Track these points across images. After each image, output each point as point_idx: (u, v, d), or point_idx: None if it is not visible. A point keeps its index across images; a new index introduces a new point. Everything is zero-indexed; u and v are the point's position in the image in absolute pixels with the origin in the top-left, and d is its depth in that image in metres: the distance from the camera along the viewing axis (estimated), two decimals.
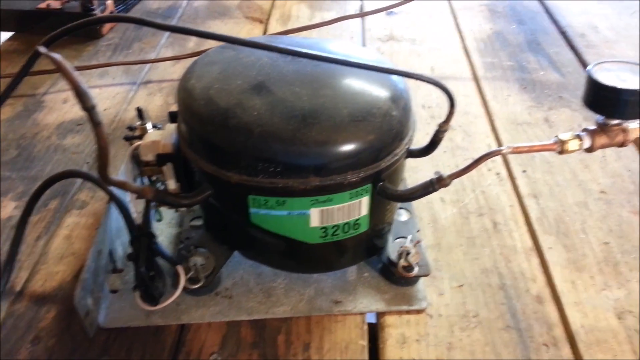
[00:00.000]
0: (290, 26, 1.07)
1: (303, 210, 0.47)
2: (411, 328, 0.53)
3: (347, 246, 0.53)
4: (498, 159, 0.75)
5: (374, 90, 0.49)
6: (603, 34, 1.05)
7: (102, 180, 0.41)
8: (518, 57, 0.99)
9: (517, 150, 0.48)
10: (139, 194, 0.45)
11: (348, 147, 0.45)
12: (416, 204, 0.67)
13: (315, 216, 0.48)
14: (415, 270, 0.55)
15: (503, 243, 0.62)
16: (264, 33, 1.07)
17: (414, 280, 0.56)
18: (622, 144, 0.49)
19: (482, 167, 0.73)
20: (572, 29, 1.07)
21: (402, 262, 0.55)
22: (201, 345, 0.51)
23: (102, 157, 0.39)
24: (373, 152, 0.47)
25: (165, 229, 0.61)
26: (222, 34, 0.44)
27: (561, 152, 0.49)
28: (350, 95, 0.48)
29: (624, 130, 0.48)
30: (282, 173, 0.45)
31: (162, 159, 0.51)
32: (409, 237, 0.59)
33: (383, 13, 1.12)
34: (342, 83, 0.49)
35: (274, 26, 1.09)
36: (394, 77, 0.52)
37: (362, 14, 1.10)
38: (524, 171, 0.73)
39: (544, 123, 0.81)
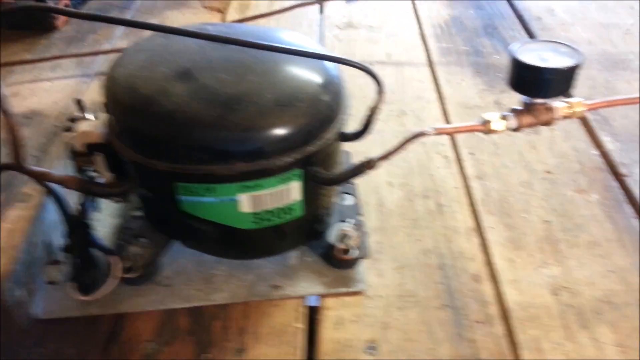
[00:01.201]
0: (249, 15, 1.06)
1: (232, 197, 0.47)
2: (348, 309, 0.54)
3: (284, 231, 0.53)
4: (447, 142, 0.75)
5: (303, 76, 0.49)
6: (559, 17, 1.06)
7: (19, 170, 0.40)
8: (474, 41, 0.99)
9: (441, 131, 0.48)
10: (62, 184, 0.45)
11: (273, 132, 0.45)
12: (363, 188, 0.67)
13: (245, 202, 0.48)
14: (354, 253, 0.55)
15: (446, 224, 0.63)
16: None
17: (353, 263, 0.57)
18: (548, 123, 0.49)
19: (431, 150, 0.74)
20: (529, 12, 1.07)
21: (341, 246, 0.55)
22: (137, 334, 0.51)
23: (17, 147, 0.39)
24: (300, 136, 0.47)
25: (107, 219, 0.61)
26: (144, 21, 0.44)
27: (487, 132, 0.50)
28: (278, 81, 0.48)
29: (549, 109, 0.49)
30: (207, 159, 0.45)
31: (92, 148, 0.50)
32: (351, 220, 0.59)
33: (342, 1, 1.12)
34: (270, 69, 0.49)
35: (232, 15, 1.08)
36: (327, 63, 0.52)
37: (320, 1, 1.09)
38: (472, 154, 0.73)
39: (495, 106, 0.82)
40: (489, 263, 0.58)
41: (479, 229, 0.62)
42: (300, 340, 0.51)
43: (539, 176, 0.69)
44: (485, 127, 0.49)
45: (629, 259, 0.58)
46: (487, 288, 0.56)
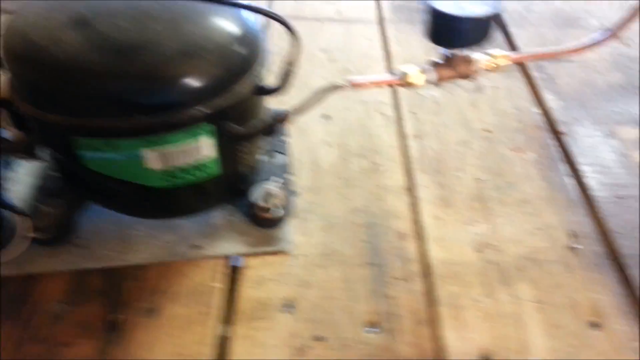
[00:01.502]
0: None
1: (136, 152, 0.46)
2: (270, 269, 0.53)
3: (202, 190, 0.51)
4: (389, 101, 0.73)
5: (214, 25, 0.47)
6: None
7: None
8: None
9: (357, 84, 0.46)
10: None
11: (176, 83, 0.43)
12: (299, 147, 0.66)
13: (150, 158, 0.46)
14: (277, 212, 0.54)
15: (379, 183, 0.62)
16: None
17: (278, 223, 0.55)
18: (467, 76, 0.48)
19: (372, 109, 0.72)
20: None
21: (263, 205, 0.54)
22: (47, 295, 0.49)
23: None
24: (208, 89, 0.45)
25: (25, 179, 0.59)
26: None
27: (406, 85, 0.48)
28: (186, 30, 0.46)
29: (468, 61, 0.47)
30: (104, 112, 0.43)
31: None
32: (278, 179, 0.58)
33: None
34: (178, 18, 0.46)
35: None
36: (245, 14, 0.49)
37: None
38: (413, 112, 0.72)
39: None
40: (416, 221, 0.57)
41: (411, 188, 0.61)
42: (216, 299, 0.50)
43: (478, 135, 0.68)
44: (403, 81, 0.48)
45: (558, 216, 0.57)
46: (411, 246, 0.55)
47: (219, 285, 0.51)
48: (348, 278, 0.52)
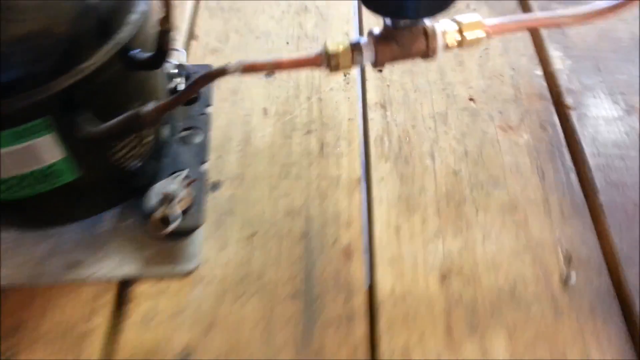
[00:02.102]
0: None
1: None
2: (168, 299, 0.40)
3: (67, 197, 0.38)
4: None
5: None
6: None
7: None
8: None
9: (249, 68, 0.31)
10: None
11: None
12: (230, 116, 0.51)
13: None
14: (175, 224, 0.40)
15: (325, 173, 0.48)
16: None
17: (184, 234, 0.42)
18: (425, 54, 0.32)
19: None
20: None
21: (160, 215, 0.40)
22: None
23: None
24: (35, 66, 0.30)
25: None
26: None
27: (330, 68, 0.33)
28: None
29: (423, 34, 0.32)
30: None
31: None
32: (186, 172, 0.43)
33: None
34: None
35: None
36: None
37: None
38: (380, 71, 0.56)
39: None
40: (368, 232, 0.44)
41: (365, 181, 0.47)
42: (91, 344, 0.38)
43: (459, 105, 0.53)
44: (325, 63, 0.32)
45: (551, 230, 0.44)
46: (357, 269, 0.42)
47: (99, 320, 0.39)
48: (269, 317, 0.39)
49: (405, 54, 0.32)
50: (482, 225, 0.44)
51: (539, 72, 0.56)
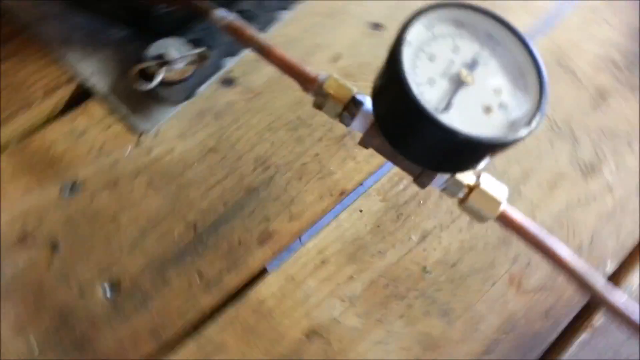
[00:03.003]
0: None
1: None
2: (100, 132, 0.40)
3: None
4: None
5: None
6: None
7: None
8: None
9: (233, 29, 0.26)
10: None
11: None
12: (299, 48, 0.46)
13: None
14: (147, 86, 0.39)
15: None
16: None
17: (157, 97, 0.41)
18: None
19: None
20: None
21: (142, 66, 0.39)
22: None
23: None
24: None
25: None
26: None
27: (315, 101, 0.27)
28: None
29: None
30: None
31: None
32: (198, 50, 0.41)
33: None
34: None
35: None
36: None
37: None
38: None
39: None
40: None
41: None
42: (27, 115, 0.40)
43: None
44: (309, 86, 0.26)
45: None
46: None
47: (44, 104, 0.40)
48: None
49: (391, 158, 0.26)
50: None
51: None
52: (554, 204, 0.45)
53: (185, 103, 0.42)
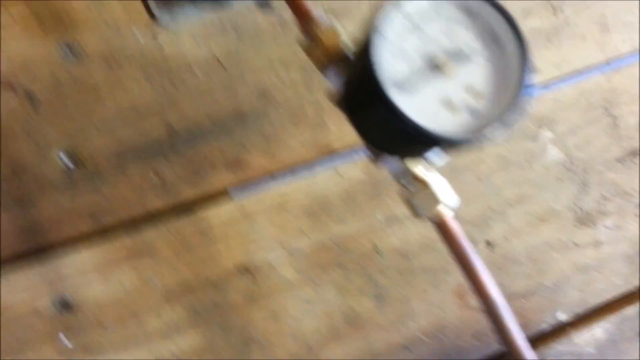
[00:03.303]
0: None
1: None
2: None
3: None
4: None
5: None
6: None
7: None
8: None
9: None
10: None
11: None
12: None
13: None
14: None
15: None
16: None
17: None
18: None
19: None
20: None
21: None
22: None
23: None
24: None
25: None
26: None
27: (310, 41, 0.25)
28: None
29: None
30: None
31: None
32: None
33: None
34: None
35: None
36: None
37: None
38: None
39: None
40: None
41: None
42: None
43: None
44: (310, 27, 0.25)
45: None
46: None
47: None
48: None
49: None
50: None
51: None
52: (534, 237, 0.43)
53: (214, 10, 0.40)
